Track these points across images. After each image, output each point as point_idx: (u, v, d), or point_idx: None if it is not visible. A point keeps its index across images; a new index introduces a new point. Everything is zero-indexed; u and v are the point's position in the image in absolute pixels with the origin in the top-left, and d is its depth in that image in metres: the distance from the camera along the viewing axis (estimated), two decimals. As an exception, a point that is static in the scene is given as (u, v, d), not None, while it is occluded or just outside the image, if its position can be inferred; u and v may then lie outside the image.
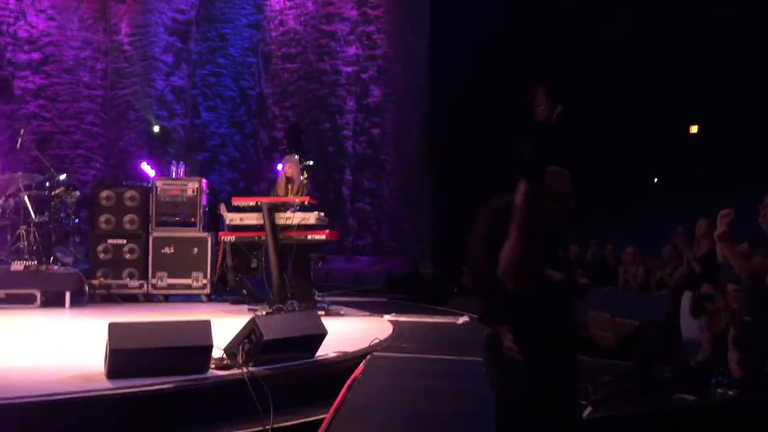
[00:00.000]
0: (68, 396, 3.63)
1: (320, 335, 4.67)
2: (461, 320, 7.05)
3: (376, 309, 7.75)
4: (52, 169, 8.89)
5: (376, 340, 5.24)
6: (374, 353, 4.72)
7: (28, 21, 11.54)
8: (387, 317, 6.99)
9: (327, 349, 4.73)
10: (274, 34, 11.74)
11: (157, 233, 8.53)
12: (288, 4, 11.65)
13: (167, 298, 8.57)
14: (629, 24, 8.70)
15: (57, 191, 8.59)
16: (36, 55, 11.60)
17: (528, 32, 8.63)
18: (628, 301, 7.62)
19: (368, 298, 9.15)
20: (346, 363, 4.59)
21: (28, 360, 4.75)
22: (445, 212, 9.68)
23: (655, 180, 10.95)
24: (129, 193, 8.59)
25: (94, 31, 11.88)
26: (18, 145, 8.96)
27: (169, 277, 8.46)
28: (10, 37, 11.48)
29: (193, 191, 8.73)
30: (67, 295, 7.79)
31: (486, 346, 2.71)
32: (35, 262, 7.96)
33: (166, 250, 8.48)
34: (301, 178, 7.72)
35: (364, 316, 7.29)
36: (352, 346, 5.03)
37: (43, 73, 11.62)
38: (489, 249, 2.50)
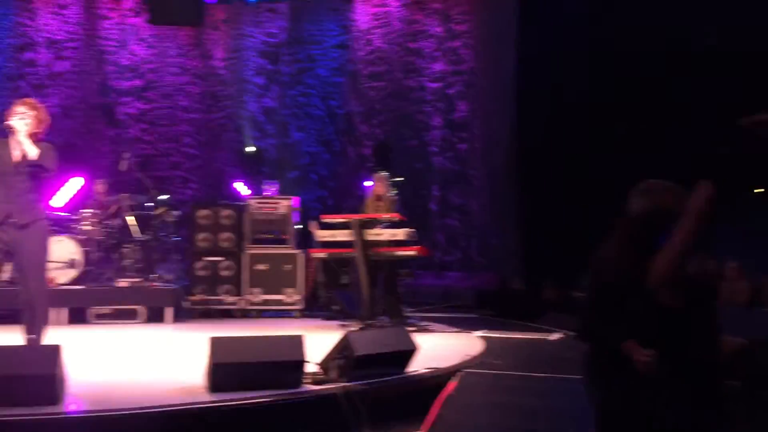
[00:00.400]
0: (173, 408, 3.79)
1: (411, 351, 4.70)
2: (554, 336, 6.92)
3: (465, 325, 7.71)
4: (153, 190, 9.31)
5: (468, 357, 5.22)
6: (466, 370, 4.70)
7: (130, 50, 12.18)
8: (477, 333, 6.94)
9: (418, 365, 4.75)
10: (361, 53, 11.94)
11: (251, 250, 8.79)
12: (374, 23, 11.83)
13: (261, 314, 8.80)
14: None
15: (158, 211, 8.98)
16: (138, 82, 12.22)
17: (618, 41, 8.44)
18: (732, 317, 7.28)
19: (458, 314, 9.10)
20: (437, 379, 4.59)
21: (135, 373, 4.98)
22: (534, 227, 9.55)
23: (760, 190, 10.43)
24: (225, 212, 8.90)
25: (191, 57, 12.41)
26: (123, 168, 9.44)
27: (263, 293, 8.69)
28: (114, 66, 12.14)
29: (285, 209, 8.96)
30: (169, 310, 8.13)
31: (586, 363, 2.65)
32: (139, 280, 8.35)
33: (260, 266, 8.72)
34: (390, 194, 7.78)
35: (454, 332, 7.27)
36: (443, 362, 5.03)
37: (144, 99, 12.22)
38: (633, 257, 2.42)
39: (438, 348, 5.90)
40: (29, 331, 4.67)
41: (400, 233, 7.21)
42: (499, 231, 10.45)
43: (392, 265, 7.52)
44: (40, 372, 3.64)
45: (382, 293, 7.69)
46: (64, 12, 11.85)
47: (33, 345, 4.55)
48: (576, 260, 8.31)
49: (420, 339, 4.92)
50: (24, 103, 4.75)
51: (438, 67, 11.30)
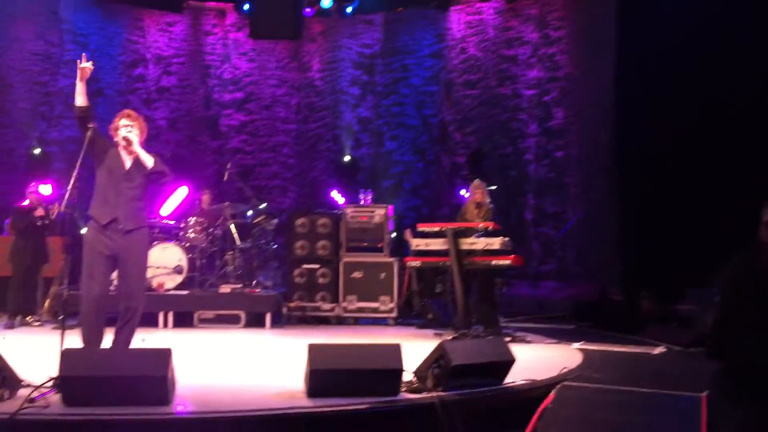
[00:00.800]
0: (274, 412, 3.91)
1: (508, 362, 4.65)
2: (657, 350, 6.68)
3: (563, 336, 7.56)
4: (254, 199, 9.62)
5: (566, 369, 5.12)
6: (564, 382, 4.60)
7: (232, 64, 12.65)
8: (576, 345, 6.79)
9: (515, 377, 4.70)
10: (455, 62, 11.94)
11: (347, 258, 8.94)
12: (469, 32, 11.81)
13: (357, 321, 8.93)
14: None
15: (258, 219, 9.27)
16: (239, 95, 12.67)
17: (725, 47, 8.06)
18: None
19: (554, 325, 8.93)
20: (535, 391, 4.52)
21: (237, 377, 5.16)
22: (634, 235, 9.24)
23: None
24: (321, 221, 9.09)
25: (288, 69, 12.76)
26: (225, 178, 9.81)
27: (359, 300, 8.81)
28: (217, 79, 12.64)
29: (380, 218, 9.07)
30: (268, 316, 8.37)
31: (719, 380, 2.52)
32: (240, 286, 8.65)
33: (356, 274, 8.86)
34: (489, 203, 7.74)
35: (552, 343, 7.13)
36: (541, 374, 4.95)
37: (245, 111, 12.65)
38: None
39: (535, 359, 5.82)
40: (121, 334, 4.86)
41: (495, 242, 7.15)
42: (597, 239, 10.18)
43: (487, 274, 7.47)
44: (152, 374, 3.84)
45: (477, 302, 7.65)
46: (172, 29, 12.44)
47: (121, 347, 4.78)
48: (678, 271, 8.03)
49: (516, 350, 4.86)
50: (126, 116, 4.99)
51: (534, 73, 11.15)
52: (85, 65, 4.79)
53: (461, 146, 11.82)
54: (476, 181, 7.93)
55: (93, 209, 4.87)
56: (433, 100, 12.21)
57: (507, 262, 7.13)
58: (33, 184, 8.68)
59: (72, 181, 4.74)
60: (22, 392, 4.06)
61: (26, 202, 8.40)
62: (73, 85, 4.92)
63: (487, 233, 7.25)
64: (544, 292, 10.55)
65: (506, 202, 10.65)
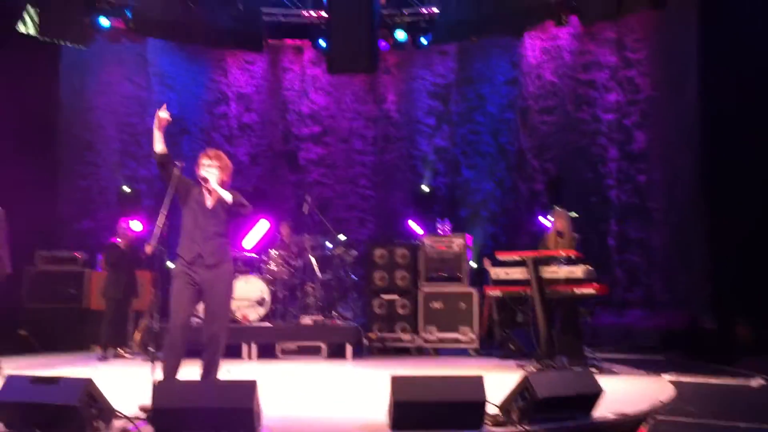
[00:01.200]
0: (358, 444, 3.91)
1: (596, 394, 4.52)
2: (755, 382, 6.34)
3: (652, 367, 7.28)
4: (333, 231, 9.75)
5: (658, 402, 4.92)
6: (657, 416, 4.44)
7: (310, 98, 12.94)
8: (666, 377, 6.53)
9: (604, 410, 4.55)
10: (531, 88, 11.84)
11: (426, 288, 8.92)
12: (544, 58, 11.70)
13: (437, 352, 8.86)
14: None
15: (337, 251, 9.38)
16: (316, 129, 12.93)
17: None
18: None
19: (642, 356, 8.62)
20: (625, 425, 4.38)
21: (319, 408, 5.20)
22: (726, 259, 8.85)
23: None
24: (400, 251, 9.12)
25: (364, 102, 12.96)
26: (304, 211, 9.99)
27: (439, 331, 8.76)
28: (296, 114, 12.94)
29: (459, 247, 9.03)
30: (348, 347, 8.41)
31: None
32: (321, 317, 8.74)
33: (435, 304, 8.82)
34: (572, 231, 7.59)
35: (641, 375, 6.88)
36: (631, 406, 4.78)
37: (323, 144, 12.88)
38: None
39: (624, 392, 5.63)
40: (208, 366, 4.98)
41: (578, 270, 7.00)
42: (685, 266, 9.80)
43: (571, 303, 7.30)
44: (239, 406, 3.91)
45: (560, 332, 7.48)
46: (252, 67, 12.85)
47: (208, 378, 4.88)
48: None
49: (603, 381, 4.71)
50: (207, 155, 5.18)
51: (612, 97, 10.93)
52: (164, 116, 5.00)
53: (539, 173, 11.66)
54: (558, 210, 7.80)
55: (180, 247, 5.05)
56: (510, 128, 12.12)
57: (591, 290, 6.96)
58: (124, 220, 9.06)
59: (160, 219, 4.94)
60: (117, 423, 4.20)
61: (117, 239, 8.77)
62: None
63: (569, 261, 7.11)
64: (630, 321, 10.21)
65: (587, 228, 10.40)
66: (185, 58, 12.38)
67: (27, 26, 9.77)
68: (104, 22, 10.98)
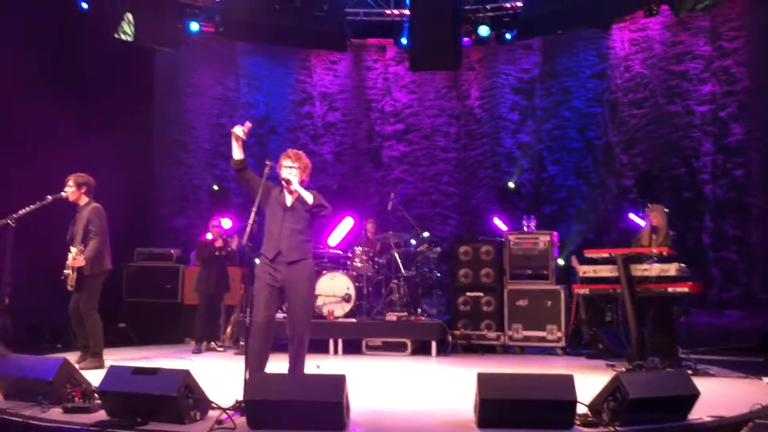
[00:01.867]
0: (446, 441, 3.91)
1: (692, 396, 4.37)
2: None
3: (751, 370, 6.95)
4: (416, 228, 9.78)
5: (758, 406, 4.70)
6: (756, 420, 4.25)
7: (393, 97, 13.01)
8: (767, 379, 6.24)
9: (700, 413, 4.41)
10: (619, 81, 11.51)
11: (511, 286, 8.83)
12: (633, 49, 11.35)
13: (523, 350, 8.76)
14: None
15: (421, 248, 9.40)
16: (399, 126, 12.99)
17: None
18: None
19: (740, 357, 8.27)
20: (723, 429, 4.22)
21: (404, 404, 5.23)
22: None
23: None
24: (484, 248, 9.06)
25: (447, 98, 12.92)
26: (388, 208, 10.06)
27: (524, 329, 8.65)
28: (379, 112, 13.04)
29: (545, 244, 8.89)
30: (433, 344, 8.42)
31: None
32: (405, 314, 8.78)
33: (521, 302, 8.72)
34: (668, 228, 7.36)
35: (739, 377, 6.59)
36: (729, 410, 4.60)
37: (406, 141, 12.93)
38: None
39: (721, 394, 5.42)
40: (294, 361, 5.10)
41: (671, 268, 6.78)
42: (786, 264, 9.33)
43: (663, 302, 7.08)
44: (329, 399, 3.98)
45: (652, 332, 7.26)
46: (336, 67, 13.03)
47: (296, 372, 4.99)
48: None
49: (699, 383, 4.55)
50: (287, 156, 5.32)
51: (707, 88, 10.49)
52: (239, 133, 5.18)
53: (628, 168, 11.33)
54: (654, 206, 7.58)
55: (263, 245, 5.21)
56: (597, 122, 11.82)
57: (685, 289, 6.74)
58: (215, 218, 9.37)
59: (251, 217, 5.08)
60: (212, 414, 4.36)
61: (209, 236, 9.08)
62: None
63: (662, 259, 6.89)
64: (727, 322, 9.80)
65: (680, 225, 10.05)
66: (271, 59, 12.67)
67: (125, 32, 10.22)
68: (194, 26, 11.38)
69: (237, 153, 5.26)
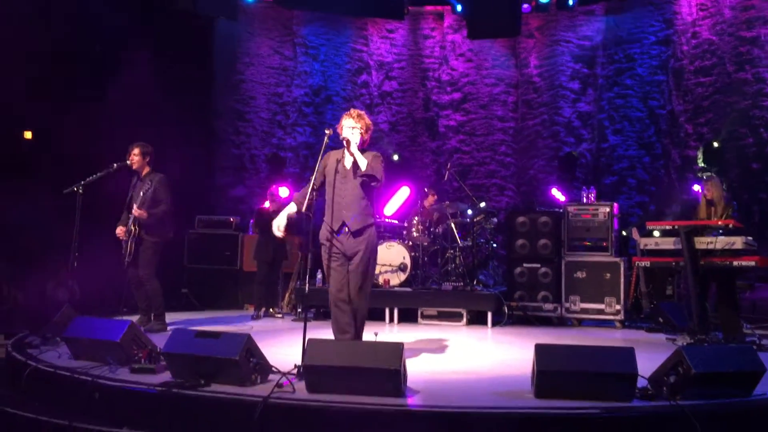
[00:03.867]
0: (503, 410, 3.92)
1: (757, 372, 4.26)
2: None
3: (820, 347, 6.73)
4: (473, 198, 9.71)
5: (828, 384, 4.55)
6: (826, 398, 4.12)
7: (449, 65, 12.85)
8: (836, 357, 6.03)
9: (765, 389, 4.29)
10: (685, 47, 11.11)
11: (569, 257, 8.71)
12: (701, 14, 10.93)
13: (580, 323, 8.66)
14: None
15: (478, 218, 9.34)
16: (456, 95, 12.84)
17: None
18: None
19: (808, 334, 8.00)
20: (790, 406, 4.10)
21: (460, 373, 5.25)
22: None
23: None
24: (542, 219, 8.94)
25: (505, 67, 12.70)
26: (445, 178, 10.01)
27: (582, 301, 8.54)
28: (435, 81, 12.91)
29: (605, 215, 8.72)
30: (489, 314, 8.41)
31: None
32: (461, 284, 8.77)
33: (579, 274, 8.60)
34: (726, 200, 7.13)
35: (806, 354, 6.39)
36: (796, 387, 4.47)
37: (463, 111, 12.78)
38: None
39: (788, 371, 5.26)
40: (350, 326, 5.13)
41: (737, 241, 6.57)
42: None
43: (727, 276, 6.88)
44: (387, 366, 4.02)
45: (715, 307, 7.09)
46: (393, 36, 12.93)
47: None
48: None
49: (764, 359, 4.43)
50: (352, 116, 5.26)
51: (779, 55, 10.06)
52: (278, 233, 5.30)
53: (693, 138, 10.98)
54: (709, 177, 7.36)
55: (326, 212, 5.24)
56: (661, 90, 11.47)
57: (751, 263, 6.53)
58: (272, 186, 9.49)
59: (310, 185, 5.12)
60: (272, 377, 4.46)
61: (266, 204, 9.20)
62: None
63: (727, 231, 6.68)
64: (795, 297, 9.47)
65: (748, 197, 9.73)
66: (329, 28, 12.65)
67: (183, 1, 10.31)
68: (251, -5, 11.46)
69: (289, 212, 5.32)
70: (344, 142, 5.19)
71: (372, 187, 5.24)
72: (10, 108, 8.36)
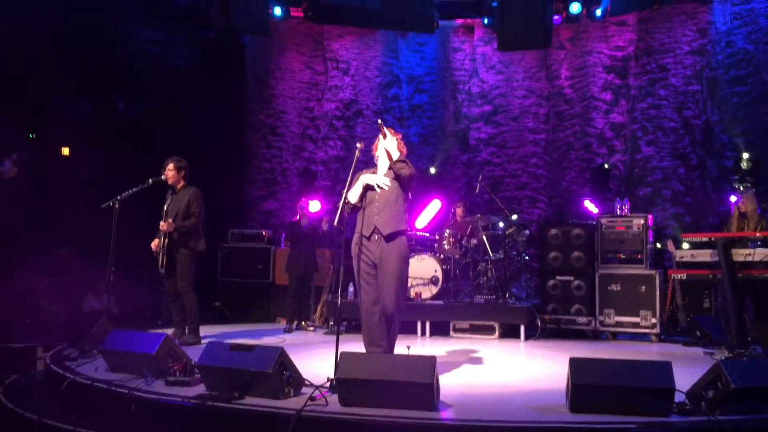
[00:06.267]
0: (538, 425, 3.88)
1: (800, 388, 4.16)
2: None
3: None
4: (505, 210, 9.66)
5: None
6: None
7: (480, 78, 12.84)
8: None
9: (807, 405, 4.18)
10: (720, 57, 10.97)
11: (603, 270, 8.61)
12: (736, 23, 10.78)
13: (615, 336, 8.55)
14: None
15: (509, 231, 9.29)
16: (487, 108, 12.81)
17: None
18: None
19: None
20: (833, 423, 3.99)
21: (493, 387, 5.21)
22: None
23: None
24: (575, 231, 8.85)
25: (536, 79, 12.64)
26: (476, 190, 9.98)
27: (617, 314, 8.43)
28: (466, 94, 12.90)
29: (639, 227, 8.61)
30: (522, 327, 8.34)
31: None
32: (494, 297, 8.72)
33: (613, 287, 8.49)
34: (761, 212, 7.01)
35: None
36: (841, 403, 4.35)
37: (493, 123, 12.75)
38: None
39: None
40: (383, 340, 5.12)
41: (776, 253, 6.44)
42: None
43: (766, 288, 6.74)
44: (420, 380, 4.01)
45: (754, 320, 6.95)
46: (423, 49, 12.97)
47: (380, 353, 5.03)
48: None
49: (808, 374, 4.32)
50: (385, 134, 5.37)
51: (817, 63, 9.88)
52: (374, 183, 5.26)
53: (729, 149, 10.81)
54: (745, 190, 7.24)
55: (358, 222, 5.28)
56: (695, 100, 11.32)
57: (791, 275, 6.39)
58: (302, 200, 9.55)
59: (342, 199, 5.16)
60: (305, 390, 4.47)
61: (297, 217, 9.27)
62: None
63: (766, 243, 6.56)
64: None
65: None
66: (359, 42, 12.74)
67: (217, 18, 10.46)
68: (281, 11, 11.59)
69: (355, 197, 5.27)
70: (380, 130, 5.32)
71: (405, 183, 5.26)
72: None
